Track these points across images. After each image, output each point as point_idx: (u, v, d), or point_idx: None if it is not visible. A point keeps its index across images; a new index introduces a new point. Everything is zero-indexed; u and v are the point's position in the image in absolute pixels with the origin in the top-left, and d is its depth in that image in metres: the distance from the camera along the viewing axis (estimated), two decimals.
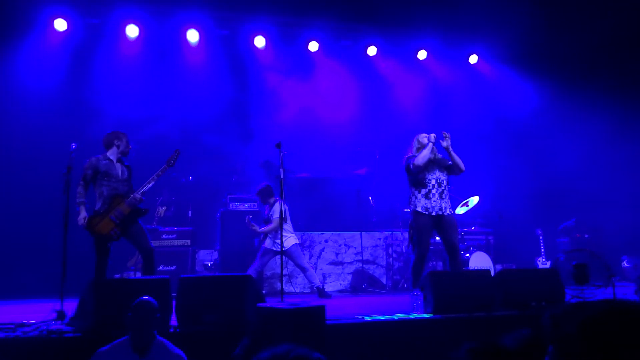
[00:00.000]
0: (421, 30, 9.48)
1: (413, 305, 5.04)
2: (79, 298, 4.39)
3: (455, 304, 4.93)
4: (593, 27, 8.73)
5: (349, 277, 8.46)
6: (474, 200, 8.33)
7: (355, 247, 8.52)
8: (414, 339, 4.55)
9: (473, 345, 1.49)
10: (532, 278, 5.51)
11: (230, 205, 8.09)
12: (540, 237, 8.82)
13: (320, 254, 8.47)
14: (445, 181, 5.88)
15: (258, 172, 8.77)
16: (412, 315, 4.90)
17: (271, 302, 4.56)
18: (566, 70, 9.71)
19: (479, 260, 7.94)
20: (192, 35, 9.01)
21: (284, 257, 6.14)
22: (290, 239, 7.08)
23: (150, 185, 5.48)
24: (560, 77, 9.71)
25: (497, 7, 8.41)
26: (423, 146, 5.86)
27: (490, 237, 8.77)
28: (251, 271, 6.90)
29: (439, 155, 5.94)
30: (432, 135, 5.88)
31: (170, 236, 7.72)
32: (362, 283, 8.13)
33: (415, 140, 6.06)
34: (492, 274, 5.69)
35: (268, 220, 7.24)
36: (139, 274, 6.75)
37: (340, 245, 8.59)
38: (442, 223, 5.78)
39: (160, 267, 7.22)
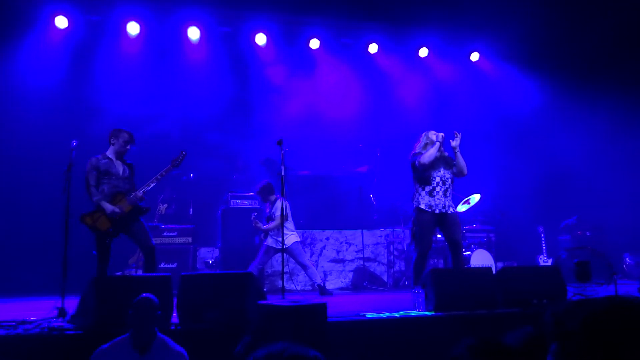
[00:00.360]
0: (422, 28, 9.47)
1: (414, 302, 5.04)
2: (80, 295, 4.39)
3: (457, 301, 4.93)
4: (595, 25, 8.70)
5: (350, 275, 8.45)
6: (475, 197, 8.32)
7: (356, 245, 8.52)
8: (415, 337, 4.55)
9: (473, 341, 1.48)
10: (533, 276, 5.53)
11: (232, 202, 8.09)
12: (542, 235, 8.81)
13: (321, 251, 8.47)
14: (450, 179, 5.85)
15: (259, 169, 8.78)
16: (414, 313, 4.90)
17: (272, 300, 4.57)
18: (568, 68, 9.68)
19: (480, 258, 7.92)
20: (193, 33, 8.98)
21: (285, 254, 6.14)
22: (291, 237, 7.08)
23: (153, 185, 5.49)
24: (562, 75, 9.68)
25: (498, 4, 8.38)
26: (431, 143, 5.82)
27: (491, 235, 8.75)
28: (252, 269, 6.90)
29: (445, 153, 5.91)
30: (441, 134, 5.84)
31: (172, 234, 7.72)
32: (363, 281, 8.13)
33: (423, 135, 6.00)
34: (494, 272, 5.68)
35: (270, 218, 7.24)
36: (140, 272, 6.74)
37: (341, 243, 8.58)
38: (445, 221, 5.77)
39: (162, 265, 7.22)
